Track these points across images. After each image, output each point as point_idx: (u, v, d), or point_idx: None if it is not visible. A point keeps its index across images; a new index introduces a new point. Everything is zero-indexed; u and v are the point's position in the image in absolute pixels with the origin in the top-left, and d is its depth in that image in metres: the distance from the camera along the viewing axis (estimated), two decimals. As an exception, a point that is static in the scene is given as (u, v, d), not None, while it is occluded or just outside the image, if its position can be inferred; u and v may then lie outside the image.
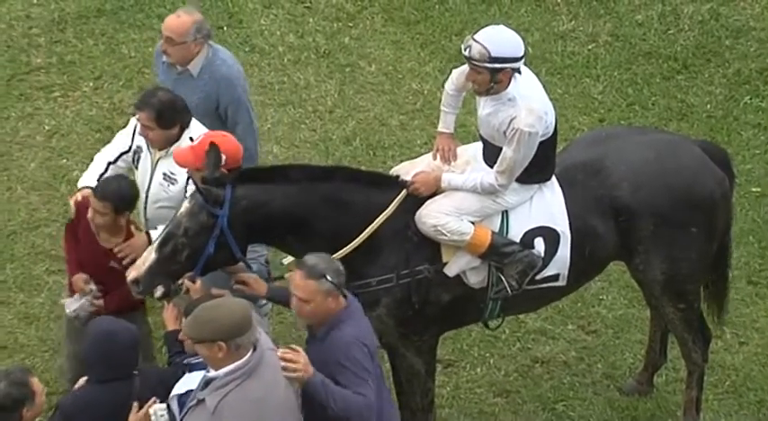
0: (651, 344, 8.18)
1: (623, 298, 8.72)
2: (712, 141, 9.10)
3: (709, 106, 10.08)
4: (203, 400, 6.13)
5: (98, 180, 7.61)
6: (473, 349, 8.47)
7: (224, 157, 7.18)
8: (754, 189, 9.48)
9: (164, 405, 6.40)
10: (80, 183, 7.76)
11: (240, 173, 7.09)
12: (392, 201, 7.14)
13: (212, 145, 7.16)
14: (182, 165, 7.26)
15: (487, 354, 8.46)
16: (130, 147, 7.73)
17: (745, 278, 8.93)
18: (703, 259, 7.52)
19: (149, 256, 7.01)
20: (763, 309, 8.78)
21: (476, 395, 8.29)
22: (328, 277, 6.40)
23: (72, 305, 7.47)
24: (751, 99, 10.13)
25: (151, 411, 6.37)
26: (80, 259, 7.61)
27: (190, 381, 6.50)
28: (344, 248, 7.06)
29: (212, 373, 6.17)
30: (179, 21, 7.91)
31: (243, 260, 7.11)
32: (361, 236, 7.09)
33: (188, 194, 7.14)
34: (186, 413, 6.25)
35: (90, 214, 7.45)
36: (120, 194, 7.38)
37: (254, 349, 6.16)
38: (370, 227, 7.10)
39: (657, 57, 10.40)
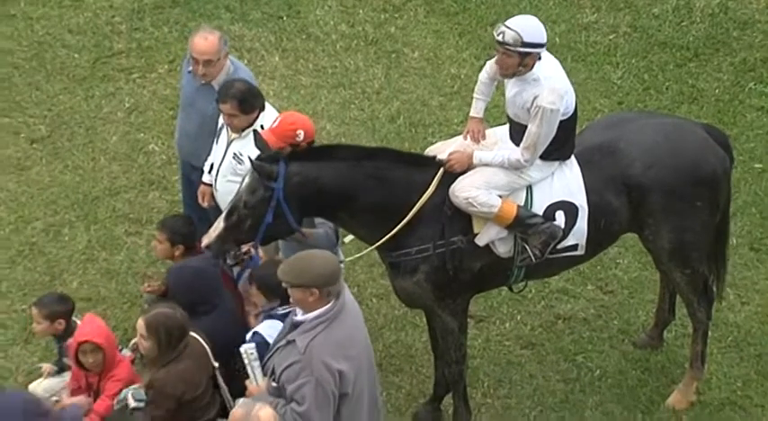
0: (661, 304, 8.16)
1: (637, 262, 8.69)
2: (719, 123, 9.09)
3: (717, 91, 10.02)
4: (293, 341, 6.19)
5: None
6: (502, 306, 8.46)
7: (302, 133, 7.17)
8: (756, 165, 9.43)
9: (252, 344, 6.45)
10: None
11: (292, 151, 7.05)
12: (432, 179, 7.09)
13: (255, 132, 7.24)
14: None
15: (515, 311, 8.45)
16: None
17: (748, 245, 8.89)
18: (706, 230, 7.46)
19: (219, 225, 7.01)
20: (764, 272, 8.74)
21: (504, 347, 8.28)
22: None
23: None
24: (755, 85, 10.06)
25: (242, 350, 6.41)
26: None
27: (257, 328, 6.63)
28: (396, 226, 7.03)
29: (301, 317, 6.24)
30: (209, 43, 7.68)
31: (298, 230, 7.07)
32: (410, 212, 7.04)
33: (248, 170, 7.11)
34: (274, 353, 6.30)
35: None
36: (175, 229, 7.54)
37: (338, 297, 6.20)
38: (418, 203, 7.05)
39: (671, 46, 10.36)
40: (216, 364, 6.62)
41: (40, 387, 7.47)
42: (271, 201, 6.89)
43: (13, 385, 7.89)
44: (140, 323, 6.63)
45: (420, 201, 7.05)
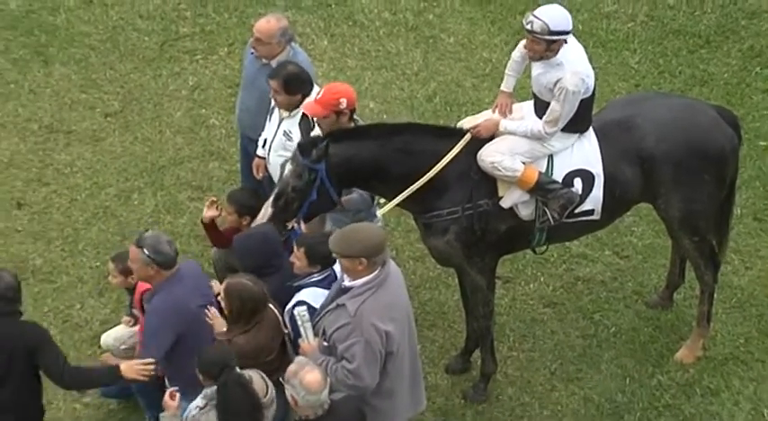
0: (672, 268, 8.15)
1: (651, 230, 8.66)
2: (727, 104, 9.01)
3: (726, 75, 9.93)
4: (343, 305, 6.19)
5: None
6: (527, 268, 8.47)
7: (344, 101, 7.19)
8: (761, 143, 9.34)
9: (304, 306, 6.41)
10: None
11: (329, 134, 7.03)
12: (454, 145, 7.08)
13: (303, 116, 7.23)
14: (313, 116, 7.25)
15: (539, 273, 8.46)
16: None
17: (752, 215, 8.83)
18: (713, 201, 7.44)
19: (267, 211, 7.02)
20: (766, 240, 8.69)
21: (529, 306, 8.29)
22: (146, 251, 6.48)
23: None
24: (761, 69, 9.96)
25: (295, 312, 6.40)
26: None
27: (298, 297, 6.56)
28: (415, 183, 7.04)
29: (349, 283, 6.24)
30: (268, 25, 7.72)
31: (339, 203, 7.10)
32: (432, 170, 7.02)
33: (290, 158, 7.11)
34: (323, 315, 6.29)
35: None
36: (242, 202, 7.56)
37: (383, 266, 6.23)
38: (440, 163, 7.04)
39: (684, 34, 10.26)
40: (286, 330, 6.56)
41: (110, 336, 7.54)
42: (315, 182, 6.92)
43: (87, 333, 8.03)
44: (223, 286, 6.62)
45: (442, 160, 7.03)
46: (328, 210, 7.25)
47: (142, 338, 6.80)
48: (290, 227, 7.15)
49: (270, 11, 9.86)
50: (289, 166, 7.06)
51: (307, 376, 5.95)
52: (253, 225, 7.13)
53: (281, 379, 6.20)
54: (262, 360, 6.50)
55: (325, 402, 6.01)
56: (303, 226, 7.26)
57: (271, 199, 7.05)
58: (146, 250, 6.50)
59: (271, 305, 6.63)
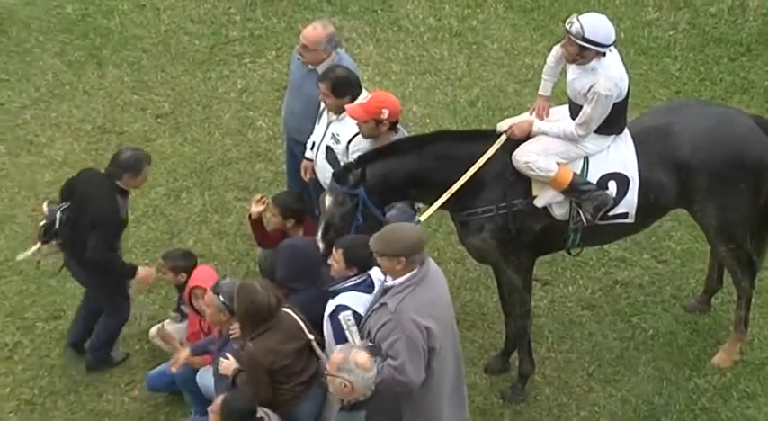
0: (710, 273, 8.08)
1: (689, 235, 8.60)
2: (767, 112, 8.91)
3: (766, 83, 9.86)
4: (385, 304, 6.21)
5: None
6: (566, 272, 8.43)
7: (387, 112, 7.17)
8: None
9: (348, 311, 6.38)
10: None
11: (360, 158, 7.00)
12: (490, 146, 7.04)
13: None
14: (354, 118, 7.24)
15: (577, 276, 8.42)
16: None
17: (790, 223, 8.72)
18: (750, 210, 7.35)
19: (320, 243, 6.94)
20: (804, 247, 8.58)
21: (567, 308, 8.25)
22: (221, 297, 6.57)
23: None
24: (802, 78, 9.90)
25: (340, 317, 6.38)
26: None
27: (335, 302, 6.50)
28: (453, 186, 7.01)
29: (390, 283, 6.26)
30: (315, 33, 7.69)
31: (384, 221, 7.03)
32: (469, 172, 7.00)
33: (327, 190, 7.06)
34: (369, 316, 6.29)
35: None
36: (286, 204, 7.58)
37: (422, 264, 6.22)
38: (477, 163, 7.01)
39: (726, 42, 10.20)
40: (311, 336, 6.52)
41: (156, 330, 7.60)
42: (358, 207, 6.91)
43: (136, 329, 8.05)
44: (237, 285, 6.58)
45: (479, 161, 6.99)
46: (377, 231, 7.16)
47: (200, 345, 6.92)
48: None
49: (317, 16, 9.90)
50: (328, 198, 7.02)
51: (357, 357, 5.98)
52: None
53: (318, 381, 6.22)
54: (277, 365, 6.44)
55: (374, 382, 6.01)
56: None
57: (319, 233, 7.01)
58: (221, 297, 6.57)
59: (290, 311, 6.56)
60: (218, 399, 6.37)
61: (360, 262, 6.54)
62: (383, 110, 7.17)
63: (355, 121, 7.26)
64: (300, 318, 6.55)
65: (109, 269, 7.39)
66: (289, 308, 6.56)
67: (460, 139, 7.14)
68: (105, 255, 7.29)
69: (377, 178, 6.95)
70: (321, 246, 6.94)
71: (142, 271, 7.51)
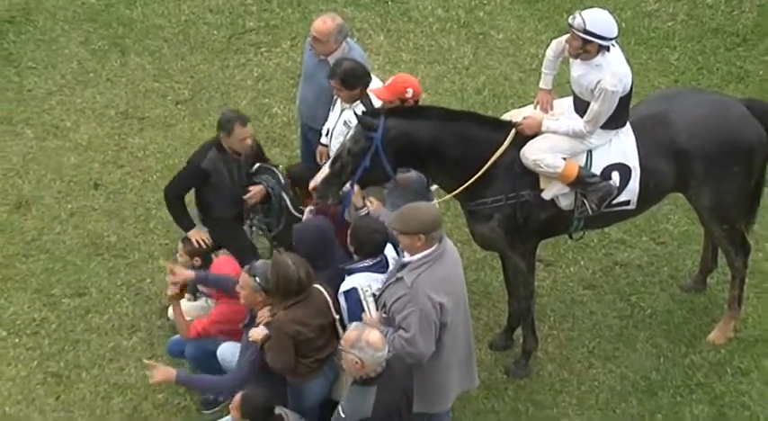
0: (705, 254, 8.14)
1: (686, 218, 8.63)
2: (761, 99, 8.91)
3: (761, 72, 9.84)
4: (402, 278, 6.28)
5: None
6: (568, 253, 8.48)
7: (411, 91, 7.31)
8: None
9: (368, 282, 6.47)
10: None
11: (389, 109, 7.08)
12: (506, 138, 7.12)
13: (366, 95, 7.34)
14: (380, 99, 7.34)
15: (579, 257, 8.46)
16: None
17: (782, 205, 8.77)
18: (742, 192, 7.43)
19: (324, 170, 7.08)
20: (796, 229, 8.64)
21: (569, 287, 8.30)
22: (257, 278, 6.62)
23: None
24: (796, 67, 9.89)
25: (359, 287, 6.51)
26: None
27: (351, 281, 6.59)
28: (472, 178, 7.08)
29: (408, 258, 6.33)
30: (324, 25, 7.76)
31: (393, 177, 7.12)
32: (485, 166, 7.08)
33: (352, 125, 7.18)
34: (385, 289, 6.36)
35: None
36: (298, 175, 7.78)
37: (440, 242, 6.29)
38: (491, 158, 7.09)
39: (722, 32, 10.16)
40: (337, 316, 6.59)
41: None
42: (370, 149, 6.94)
43: (157, 306, 8.16)
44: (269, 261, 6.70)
45: (494, 156, 7.07)
46: (381, 183, 7.26)
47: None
48: (346, 189, 7.11)
49: (330, 7, 9.94)
50: (350, 132, 7.11)
51: (370, 336, 6.00)
52: (311, 185, 7.14)
53: (334, 356, 6.32)
54: (302, 337, 6.53)
55: (385, 360, 6.08)
56: (356, 188, 7.17)
57: (329, 161, 7.11)
58: (257, 278, 6.61)
59: (321, 288, 6.65)
60: (238, 396, 6.43)
61: (364, 243, 6.59)
62: (407, 88, 7.32)
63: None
64: (330, 297, 6.63)
65: (169, 211, 7.78)
66: (320, 285, 6.65)
67: (481, 124, 7.18)
68: (169, 194, 7.72)
69: (395, 132, 6.96)
70: (327, 171, 6.98)
71: (194, 233, 7.69)
